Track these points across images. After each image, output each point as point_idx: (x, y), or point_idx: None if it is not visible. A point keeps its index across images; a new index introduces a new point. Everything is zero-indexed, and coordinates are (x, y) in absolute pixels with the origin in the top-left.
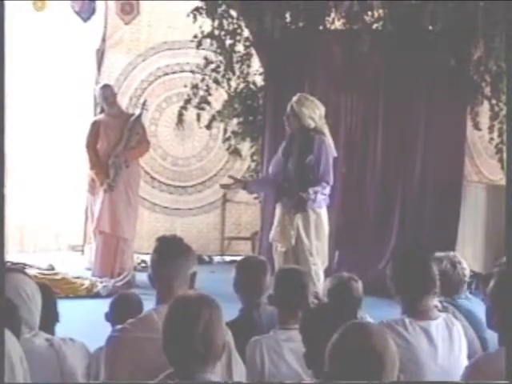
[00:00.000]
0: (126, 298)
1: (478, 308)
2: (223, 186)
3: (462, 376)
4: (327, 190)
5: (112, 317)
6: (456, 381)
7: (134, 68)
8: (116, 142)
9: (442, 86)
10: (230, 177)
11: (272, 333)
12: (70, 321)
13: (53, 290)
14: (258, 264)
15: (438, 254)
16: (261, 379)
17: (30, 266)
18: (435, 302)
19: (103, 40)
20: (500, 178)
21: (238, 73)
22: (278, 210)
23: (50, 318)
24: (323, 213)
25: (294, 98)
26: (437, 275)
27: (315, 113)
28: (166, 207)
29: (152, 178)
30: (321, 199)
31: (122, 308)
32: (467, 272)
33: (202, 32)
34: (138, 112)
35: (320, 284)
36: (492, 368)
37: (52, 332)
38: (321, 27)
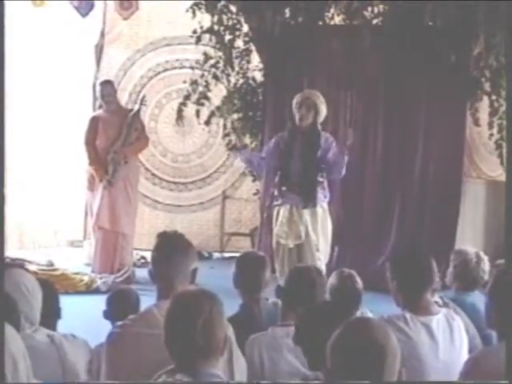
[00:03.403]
0: (122, 294)
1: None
2: (231, 148)
3: (461, 371)
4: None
5: (109, 313)
6: (456, 381)
7: (133, 64)
8: (115, 138)
9: (442, 82)
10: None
11: (270, 330)
12: (69, 317)
13: (54, 286)
14: (258, 259)
15: (463, 248)
16: (260, 377)
17: (30, 262)
18: (436, 297)
19: (102, 35)
20: (499, 173)
21: (237, 68)
22: (284, 207)
23: (51, 314)
24: (327, 207)
25: (308, 93)
26: (436, 270)
27: (325, 111)
28: (166, 204)
29: (153, 174)
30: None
31: (119, 304)
32: (487, 270)
33: (202, 27)
34: (136, 108)
35: None
36: (490, 363)
37: (54, 328)
38: (320, 23)
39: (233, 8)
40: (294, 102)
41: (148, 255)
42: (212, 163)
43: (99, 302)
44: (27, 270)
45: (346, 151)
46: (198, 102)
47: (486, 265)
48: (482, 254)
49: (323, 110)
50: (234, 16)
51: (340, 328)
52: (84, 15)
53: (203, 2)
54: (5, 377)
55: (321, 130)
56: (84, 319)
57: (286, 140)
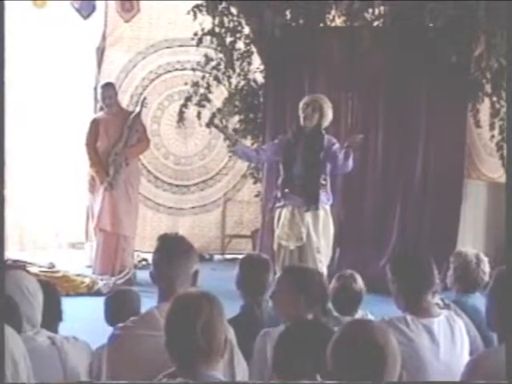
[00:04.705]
0: (120, 295)
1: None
2: (214, 125)
3: (463, 373)
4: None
5: (107, 314)
6: (457, 381)
7: (135, 66)
8: (116, 140)
9: (443, 83)
10: (225, 127)
11: (282, 326)
12: (70, 318)
13: (57, 288)
14: (261, 262)
15: (463, 249)
16: (270, 372)
17: (31, 264)
18: (437, 299)
19: (103, 38)
20: (499, 175)
21: (238, 70)
22: (286, 208)
23: (53, 317)
24: (329, 210)
25: (316, 96)
26: (436, 272)
27: (331, 115)
28: (168, 207)
29: (155, 177)
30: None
31: (117, 305)
32: (487, 272)
33: (203, 29)
34: (137, 109)
35: None
36: (491, 365)
37: (55, 330)
38: (321, 25)
39: (234, 10)
40: (302, 102)
41: (149, 257)
42: (214, 165)
43: (100, 304)
44: (28, 272)
45: (356, 147)
46: (200, 104)
47: (486, 266)
48: (481, 255)
49: (328, 114)
50: (234, 18)
51: (340, 330)
52: (85, 17)
53: (204, 4)
54: (5, 377)
55: (324, 133)
56: (85, 321)
57: (290, 142)
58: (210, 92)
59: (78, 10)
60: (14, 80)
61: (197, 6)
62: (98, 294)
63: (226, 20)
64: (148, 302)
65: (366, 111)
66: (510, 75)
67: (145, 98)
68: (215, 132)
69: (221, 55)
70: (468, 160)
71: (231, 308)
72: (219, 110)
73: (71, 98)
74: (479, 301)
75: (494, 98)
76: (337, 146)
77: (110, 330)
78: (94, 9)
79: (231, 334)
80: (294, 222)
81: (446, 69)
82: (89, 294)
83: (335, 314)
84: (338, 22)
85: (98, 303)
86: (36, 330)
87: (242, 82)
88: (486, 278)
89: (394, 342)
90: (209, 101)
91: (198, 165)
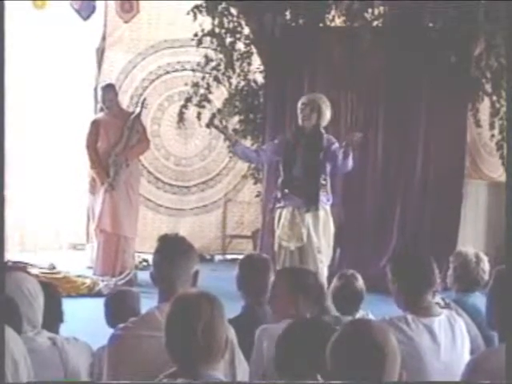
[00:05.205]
0: (119, 296)
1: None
2: (214, 126)
3: (463, 372)
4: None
5: (109, 314)
6: (457, 381)
7: (135, 66)
8: (116, 141)
9: (443, 83)
10: (225, 127)
11: (282, 322)
12: (71, 320)
13: (57, 289)
14: (262, 262)
15: (463, 249)
16: (267, 365)
17: (32, 265)
18: (437, 298)
19: (103, 38)
20: (498, 174)
21: (238, 71)
22: (286, 209)
23: (54, 317)
24: (329, 210)
25: (314, 95)
26: (437, 271)
27: (329, 115)
28: (169, 207)
29: (156, 178)
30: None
31: (119, 305)
32: (487, 271)
33: (203, 30)
34: (137, 110)
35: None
36: (492, 364)
37: (56, 331)
38: (321, 25)
39: (233, 10)
40: (300, 102)
41: (150, 258)
42: (214, 166)
43: (101, 305)
44: (29, 273)
45: (354, 145)
46: (200, 105)
47: (486, 265)
48: (481, 254)
49: (327, 114)
50: (234, 18)
51: (340, 330)
52: (85, 18)
53: (204, 5)
54: (5, 377)
55: (323, 133)
56: (86, 322)
57: (289, 142)
58: (210, 93)
59: (78, 11)
60: (14, 80)
61: (196, 7)
62: (98, 294)
63: (225, 20)
64: (149, 303)
65: (366, 111)
66: (510, 75)
67: (145, 99)
68: (215, 133)
69: (221, 56)
70: (468, 160)
71: (232, 308)
72: (219, 110)
73: (71, 99)
74: (479, 300)
75: (494, 98)
76: (336, 145)
77: (110, 330)
78: (93, 10)
79: (232, 334)
80: (294, 222)
81: (446, 69)
82: (89, 295)
83: (336, 313)
84: (338, 22)
85: (99, 304)
86: (37, 330)
87: (242, 83)
88: (486, 277)
89: (393, 341)
90: (209, 101)
91: (198, 165)
